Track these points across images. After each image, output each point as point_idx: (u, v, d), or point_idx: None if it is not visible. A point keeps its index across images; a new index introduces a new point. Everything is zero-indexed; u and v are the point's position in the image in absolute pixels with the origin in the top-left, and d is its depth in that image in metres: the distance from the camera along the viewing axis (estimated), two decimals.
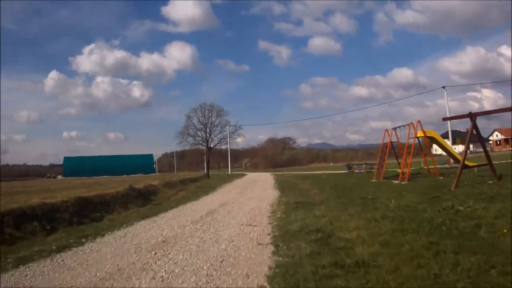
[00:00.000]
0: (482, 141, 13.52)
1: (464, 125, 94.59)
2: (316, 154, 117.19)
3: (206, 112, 52.35)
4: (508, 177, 12.86)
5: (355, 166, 30.37)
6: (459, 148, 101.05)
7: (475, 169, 17.21)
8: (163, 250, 6.98)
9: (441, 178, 17.84)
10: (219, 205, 14.03)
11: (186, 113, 54.22)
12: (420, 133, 20.16)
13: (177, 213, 12.39)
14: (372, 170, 27.61)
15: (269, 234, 7.76)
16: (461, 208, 7.96)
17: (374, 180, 20.88)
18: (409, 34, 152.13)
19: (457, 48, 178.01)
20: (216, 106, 53.27)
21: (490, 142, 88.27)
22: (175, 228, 9.38)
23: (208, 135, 52.33)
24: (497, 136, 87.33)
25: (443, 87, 39.98)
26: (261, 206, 12.77)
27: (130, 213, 13.24)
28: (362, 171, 27.68)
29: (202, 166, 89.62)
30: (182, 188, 26.58)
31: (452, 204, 8.35)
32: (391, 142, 21.58)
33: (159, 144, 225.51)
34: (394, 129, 21.57)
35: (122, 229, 9.72)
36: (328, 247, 6.11)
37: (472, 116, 12.24)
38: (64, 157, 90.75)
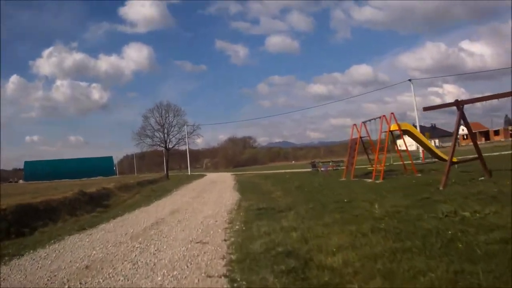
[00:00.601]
0: (471, 132, 11.92)
1: (427, 120, 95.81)
2: (277, 153, 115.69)
3: (163, 112, 49.79)
4: (500, 172, 11.42)
5: (320, 164, 28.70)
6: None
7: (456, 165, 15.90)
8: (80, 283, 5.02)
9: (419, 175, 16.65)
10: (170, 212, 11.84)
11: (143, 113, 51.50)
12: (394, 126, 18.73)
13: (119, 224, 10.13)
14: (339, 168, 26.17)
15: (223, 258, 5.67)
16: (467, 214, 6.23)
17: (343, 179, 19.35)
18: (367, 30, 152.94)
19: (416, 44, 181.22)
20: (173, 105, 50.78)
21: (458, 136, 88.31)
22: (109, 246, 7.25)
23: (166, 135, 49.78)
24: (463, 130, 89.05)
25: (410, 80, 39.07)
26: (217, 213, 10.67)
27: (70, 223, 11.27)
28: (328, 169, 26.06)
29: (163, 167, 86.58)
30: (138, 191, 24.52)
31: (454, 208, 6.59)
32: (361, 138, 20.09)
33: (119, 146, 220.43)
34: (364, 122, 20.11)
35: (48, 246, 7.73)
36: (307, 284, 4.13)
37: (459, 104, 10.65)
38: (25, 162, 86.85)
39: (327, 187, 15.18)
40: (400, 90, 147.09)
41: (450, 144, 15.90)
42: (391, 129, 18.55)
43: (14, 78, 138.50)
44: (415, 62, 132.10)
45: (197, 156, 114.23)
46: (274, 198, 13.22)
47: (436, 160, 20.49)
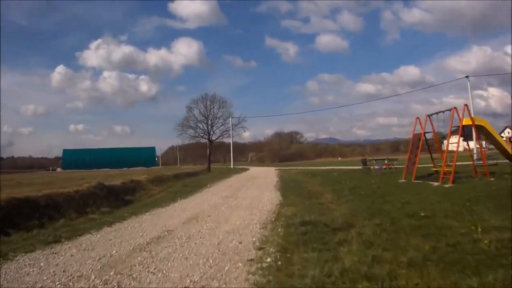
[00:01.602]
0: None
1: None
2: (323, 149, 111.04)
3: (208, 103, 47.36)
4: None
5: (373, 162, 24.73)
6: (470, 145, 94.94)
7: None
8: None
9: (492, 179, 13.52)
10: (186, 219, 9.05)
11: (187, 104, 49.59)
12: (466, 121, 14.95)
13: (108, 236, 7.29)
14: (393, 167, 22.39)
15: None
16: None
17: (403, 181, 15.81)
18: (416, 32, 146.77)
19: (463, 47, 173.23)
20: (218, 97, 48.18)
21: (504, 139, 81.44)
22: (57, 282, 4.52)
23: (209, 127, 47.55)
24: (508, 133, 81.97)
25: (467, 76, 34.15)
26: (246, 225, 7.70)
27: (60, 226, 8.75)
28: (383, 168, 22.29)
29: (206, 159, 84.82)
30: (172, 184, 22.27)
31: None
32: (424, 134, 16.43)
33: (166, 138, 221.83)
34: (430, 116, 16.36)
35: None
36: None
37: None
38: (63, 150, 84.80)
39: (388, 191, 11.98)
40: (447, 92, 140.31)
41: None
42: (464, 123, 14.77)
43: (60, 68, 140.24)
44: (461, 65, 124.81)
45: (243, 150, 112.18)
46: (324, 205, 10.03)
47: (496, 162, 16.59)
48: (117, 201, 13.58)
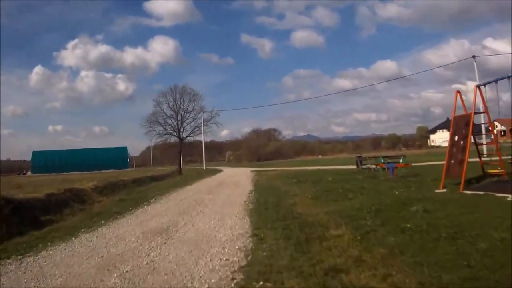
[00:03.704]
0: None
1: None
2: (302, 146, 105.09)
3: (178, 96, 40.48)
4: None
5: (382, 161, 18.01)
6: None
7: None
8: None
9: None
10: None
11: (154, 97, 42.79)
12: None
13: None
14: (407, 166, 16.31)
15: None
16: None
17: (441, 191, 9.84)
18: (392, 27, 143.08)
19: (440, 41, 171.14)
20: (189, 89, 41.42)
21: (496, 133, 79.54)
22: None
23: (179, 123, 40.75)
24: (496, 127, 79.02)
25: (473, 56, 28.73)
26: None
27: None
28: (396, 167, 15.90)
29: (186, 159, 77.61)
30: (130, 191, 17.34)
31: None
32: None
33: (144, 137, 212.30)
34: (479, 86, 10.44)
35: None
36: None
37: None
38: (33, 152, 74.07)
39: (449, 220, 6.03)
40: (425, 86, 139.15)
41: None
42: None
43: (38, 69, 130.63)
44: (439, 58, 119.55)
45: (221, 149, 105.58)
46: (332, 257, 3.93)
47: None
48: (21, 225, 8.32)
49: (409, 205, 8.08)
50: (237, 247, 5.75)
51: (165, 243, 6.37)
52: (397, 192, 10.22)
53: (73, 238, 7.28)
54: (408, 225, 5.99)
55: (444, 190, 9.96)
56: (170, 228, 7.64)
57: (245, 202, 11.04)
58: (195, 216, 9.06)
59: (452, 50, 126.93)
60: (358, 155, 24.22)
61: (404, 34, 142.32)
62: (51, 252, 6.22)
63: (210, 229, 7.30)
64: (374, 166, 18.61)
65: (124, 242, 6.60)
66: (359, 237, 5.48)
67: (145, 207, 11.45)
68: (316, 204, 9.31)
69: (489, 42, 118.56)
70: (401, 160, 17.30)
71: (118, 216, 9.74)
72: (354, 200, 9.39)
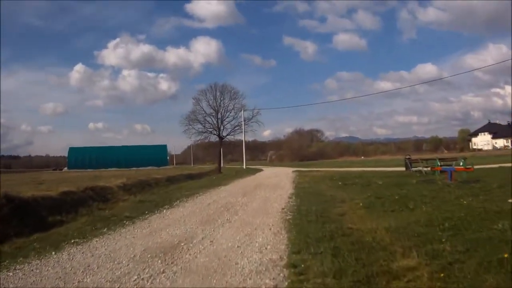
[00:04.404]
0: None
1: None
2: (345, 147, 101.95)
3: (218, 93, 39.64)
4: None
5: (438, 164, 15.79)
6: (500, 143, 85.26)
7: None
8: None
9: None
10: None
11: (193, 95, 42.28)
12: None
13: None
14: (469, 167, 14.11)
15: None
16: None
17: None
18: (432, 31, 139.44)
19: (479, 45, 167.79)
20: (229, 87, 40.49)
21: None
22: None
23: (219, 121, 39.93)
24: None
25: None
26: None
27: None
28: (455, 171, 13.61)
29: (228, 158, 77.11)
30: (158, 191, 16.69)
31: None
32: None
33: (185, 135, 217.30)
34: None
35: None
36: None
37: None
38: (69, 148, 76.24)
39: None
40: (465, 90, 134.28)
41: None
42: None
43: (79, 67, 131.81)
44: (478, 63, 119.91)
45: (264, 148, 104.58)
46: None
47: None
48: (21, 226, 7.64)
49: (490, 220, 6.35)
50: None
51: (163, 271, 4.81)
52: (465, 202, 8.40)
53: (53, 253, 5.99)
54: (506, 256, 4.34)
55: None
56: (181, 244, 6.23)
57: (283, 209, 9.54)
58: (218, 227, 7.68)
59: (490, 55, 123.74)
60: (407, 156, 21.87)
61: (444, 38, 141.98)
62: (10, 274, 4.98)
63: (233, 249, 5.81)
64: (426, 169, 16.56)
65: (110, 266, 5.17)
66: (441, 274, 3.91)
67: (164, 211, 10.26)
68: (371, 216, 7.68)
69: None
70: (461, 163, 15.02)
71: (127, 223, 8.52)
72: (417, 211, 7.69)
